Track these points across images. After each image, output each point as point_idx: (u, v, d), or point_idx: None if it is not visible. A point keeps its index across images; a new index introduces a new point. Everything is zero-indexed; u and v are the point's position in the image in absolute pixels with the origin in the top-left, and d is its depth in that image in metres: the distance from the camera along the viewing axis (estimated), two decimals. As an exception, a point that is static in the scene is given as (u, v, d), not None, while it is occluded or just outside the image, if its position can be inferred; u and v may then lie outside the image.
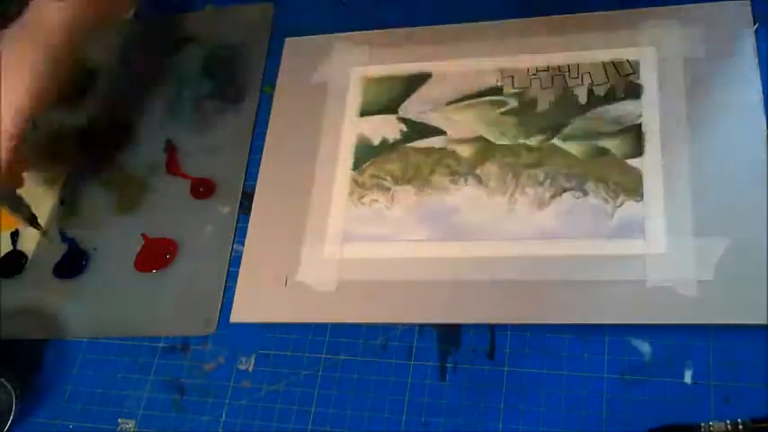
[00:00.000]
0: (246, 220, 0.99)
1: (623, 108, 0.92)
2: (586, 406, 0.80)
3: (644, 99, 0.92)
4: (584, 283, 0.84)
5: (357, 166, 0.98)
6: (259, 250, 0.97)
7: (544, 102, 0.95)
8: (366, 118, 1.01)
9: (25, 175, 1.00)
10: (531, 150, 0.93)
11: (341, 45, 1.07)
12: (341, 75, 1.05)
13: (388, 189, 0.96)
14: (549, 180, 0.91)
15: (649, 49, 0.94)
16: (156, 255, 1.00)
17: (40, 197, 1.09)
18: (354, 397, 0.87)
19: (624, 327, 0.82)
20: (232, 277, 0.96)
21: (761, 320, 0.78)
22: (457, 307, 0.87)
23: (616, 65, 0.95)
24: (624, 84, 0.93)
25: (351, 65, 1.05)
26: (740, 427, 0.74)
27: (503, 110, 0.96)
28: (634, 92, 0.93)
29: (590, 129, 0.92)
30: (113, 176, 1.08)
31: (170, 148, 1.07)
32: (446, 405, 0.84)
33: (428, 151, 0.97)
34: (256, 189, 1.00)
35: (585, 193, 0.89)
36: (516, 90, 0.97)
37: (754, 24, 0.92)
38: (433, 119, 0.99)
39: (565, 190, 0.90)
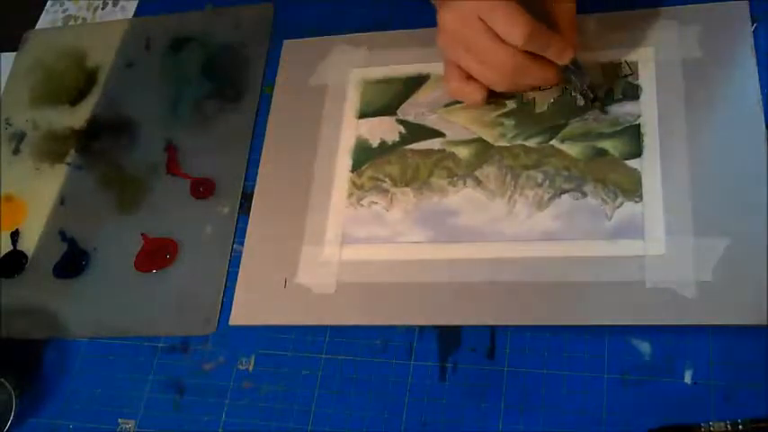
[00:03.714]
0: (246, 221, 0.99)
1: (622, 109, 0.92)
2: (586, 406, 0.81)
3: (642, 100, 0.92)
4: (583, 285, 0.84)
5: (356, 167, 0.98)
6: (258, 253, 0.97)
7: (542, 103, 0.95)
8: (365, 120, 1.01)
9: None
10: (530, 152, 0.93)
11: (339, 47, 1.07)
12: (339, 76, 1.05)
13: (387, 191, 0.96)
14: (547, 181, 0.91)
15: (647, 49, 0.95)
16: (156, 255, 1.00)
17: (41, 197, 1.09)
18: (354, 397, 0.87)
19: (624, 327, 0.83)
20: (232, 277, 0.96)
21: (761, 320, 0.78)
22: (457, 309, 0.87)
23: (614, 65, 0.95)
24: (623, 84, 0.93)
25: (349, 66, 1.05)
26: (740, 427, 0.75)
27: (501, 111, 0.96)
28: (632, 93, 0.93)
29: (588, 130, 0.92)
30: (113, 176, 1.08)
31: (170, 148, 1.07)
32: (446, 405, 0.84)
33: (427, 153, 0.97)
34: (255, 191, 1.00)
35: (584, 195, 0.89)
36: (515, 91, 0.97)
37: (752, 24, 0.92)
38: (432, 120, 0.99)
39: (564, 191, 0.90)
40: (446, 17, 0.88)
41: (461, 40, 0.88)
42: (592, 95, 0.93)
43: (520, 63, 0.87)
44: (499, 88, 0.93)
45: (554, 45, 0.87)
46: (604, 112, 0.93)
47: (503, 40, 0.85)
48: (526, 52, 0.87)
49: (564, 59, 0.89)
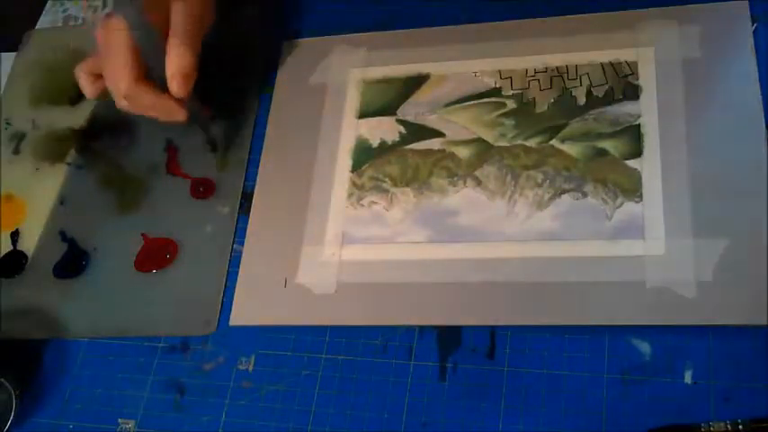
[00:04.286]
0: (246, 221, 0.99)
1: (622, 109, 0.92)
2: (586, 406, 0.81)
3: (642, 100, 0.92)
4: (583, 285, 0.84)
5: (356, 167, 0.98)
6: (258, 253, 0.97)
7: (543, 103, 0.95)
8: (365, 120, 1.01)
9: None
10: (530, 152, 0.93)
11: (339, 47, 1.07)
12: (339, 76, 1.05)
13: (387, 191, 0.96)
14: (548, 181, 0.91)
15: (647, 49, 0.94)
16: (156, 255, 1.00)
17: (41, 197, 1.09)
18: (354, 397, 0.87)
19: (624, 327, 0.83)
20: (232, 277, 0.96)
21: (761, 320, 0.78)
22: (457, 309, 0.87)
23: (614, 66, 0.95)
24: (623, 84, 0.93)
25: (349, 66, 1.05)
26: (740, 427, 0.75)
27: (501, 111, 0.97)
28: (633, 93, 0.93)
29: (589, 130, 0.92)
30: (113, 176, 1.08)
31: (170, 148, 1.08)
32: (446, 405, 0.85)
33: (427, 153, 0.97)
34: (255, 191, 1.00)
35: (584, 195, 0.89)
36: (515, 91, 0.97)
37: (753, 24, 0.92)
38: (432, 120, 0.99)
39: (564, 191, 0.90)
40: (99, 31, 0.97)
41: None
42: (210, 145, 1.06)
43: (134, 94, 0.95)
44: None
45: (160, 105, 0.96)
46: (221, 169, 1.04)
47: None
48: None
49: (174, 117, 0.98)
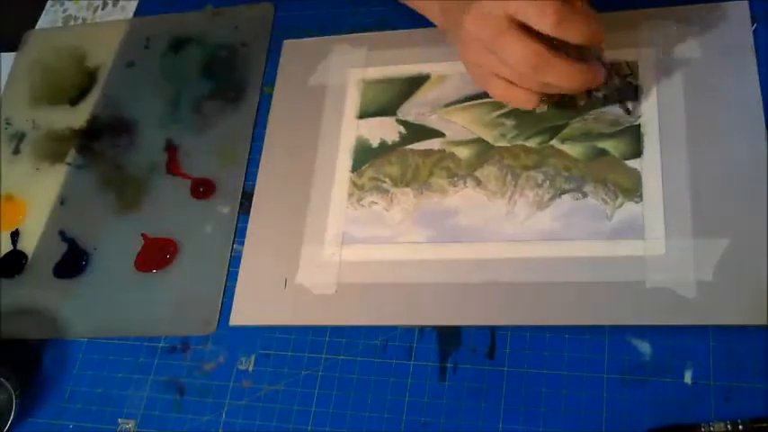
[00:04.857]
0: (246, 221, 0.99)
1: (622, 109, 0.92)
2: (586, 406, 0.80)
3: (642, 100, 0.92)
4: (583, 285, 0.84)
5: (356, 167, 0.98)
6: (258, 253, 0.97)
7: (543, 103, 0.95)
8: (365, 120, 1.01)
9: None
10: (530, 152, 0.93)
11: (339, 47, 1.07)
12: (339, 77, 1.05)
13: (387, 191, 0.96)
14: (548, 181, 0.91)
15: (648, 49, 0.95)
16: (156, 255, 1.00)
17: (41, 197, 1.09)
18: (354, 397, 0.87)
19: (624, 327, 0.83)
20: (232, 277, 0.96)
21: (761, 321, 0.78)
22: (457, 309, 0.87)
23: (614, 66, 0.95)
24: (623, 84, 0.93)
25: (349, 66, 1.05)
26: (740, 427, 0.75)
27: (501, 111, 0.96)
28: (633, 93, 0.92)
29: (589, 130, 0.92)
30: (113, 176, 1.08)
31: (170, 148, 1.08)
32: (446, 405, 0.84)
33: (427, 153, 0.97)
34: (255, 191, 1.00)
35: (584, 195, 0.89)
36: (515, 91, 0.97)
37: (753, 24, 0.92)
38: (432, 121, 0.99)
39: (564, 191, 0.90)
40: (467, 19, 0.86)
41: (483, 43, 0.86)
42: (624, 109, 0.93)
43: (541, 57, 0.83)
44: (529, 87, 0.87)
45: (582, 30, 0.82)
46: (628, 111, 0.93)
47: (522, 35, 0.82)
48: (548, 47, 0.83)
49: (592, 40, 0.83)
